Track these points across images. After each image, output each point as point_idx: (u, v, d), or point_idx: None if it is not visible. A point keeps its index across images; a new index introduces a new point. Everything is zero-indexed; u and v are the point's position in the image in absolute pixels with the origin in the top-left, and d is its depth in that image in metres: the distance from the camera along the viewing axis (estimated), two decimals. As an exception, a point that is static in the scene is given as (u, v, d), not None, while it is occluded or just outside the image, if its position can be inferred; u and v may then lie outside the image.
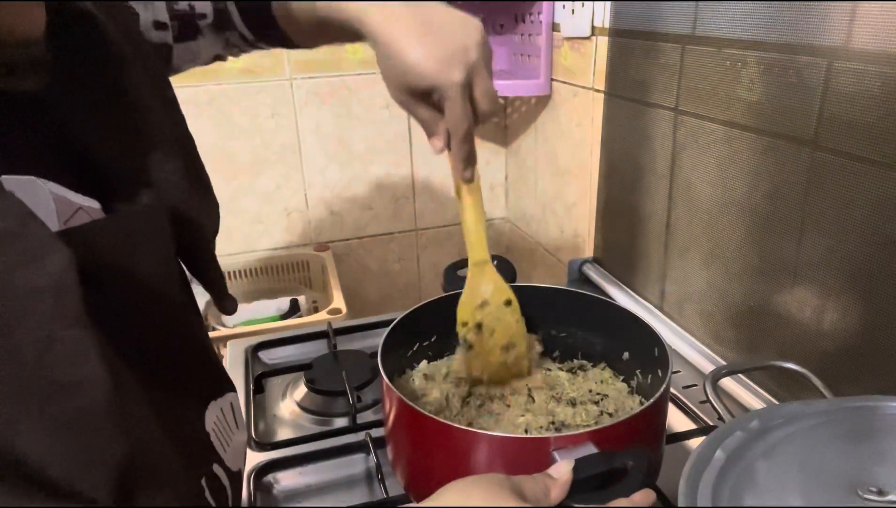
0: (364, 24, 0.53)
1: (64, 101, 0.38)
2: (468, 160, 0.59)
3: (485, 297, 0.66)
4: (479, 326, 0.66)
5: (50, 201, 0.34)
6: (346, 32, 0.56)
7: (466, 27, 0.54)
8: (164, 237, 0.41)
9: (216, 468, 0.45)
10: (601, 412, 0.65)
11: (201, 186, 0.48)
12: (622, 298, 1.00)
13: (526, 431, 0.62)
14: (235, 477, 0.48)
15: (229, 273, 1.44)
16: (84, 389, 0.30)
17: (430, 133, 0.58)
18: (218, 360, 0.50)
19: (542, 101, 1.30)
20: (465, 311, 0.66)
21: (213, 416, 0.46)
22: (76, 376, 0.30)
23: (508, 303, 0.67)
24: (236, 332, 1.23)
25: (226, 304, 0.51)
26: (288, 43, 0.65)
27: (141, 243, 0.39)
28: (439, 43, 0.52)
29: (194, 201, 0.45)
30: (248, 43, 0.66)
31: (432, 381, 0.69)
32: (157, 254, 0.40)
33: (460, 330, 0.67)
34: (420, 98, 0.55)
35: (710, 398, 0.64)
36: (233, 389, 0.51)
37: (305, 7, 0.58)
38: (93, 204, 0.37)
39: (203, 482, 0.43)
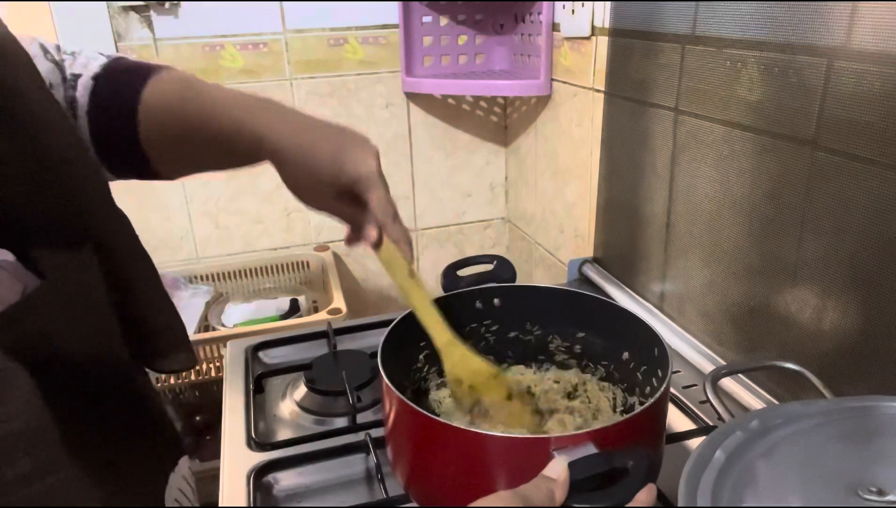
0: (271, 141, 0.53)
1: None
2: (407, 239, 0.58)
3: (468, 381, 0.63)
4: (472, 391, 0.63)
5: None
6: (240, 154, 0.56)
7: (358, 134, 0.55)
8: (100, 304, 0.37)
9: None
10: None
11: (137, 248, 0.44)
12: (622, 298, 1.00)
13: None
14: None
15: (229, 273, 1.44)
16: None
17: (359, 227, 0.57)
18: (168, 420, 0.46)
19: (542, 101, 1.30)
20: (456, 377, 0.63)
21: (174, 494, 0.44)
22: None
23: (495, 377, 0.63)
24: (236, 332, 1.23)
25: (182, 358, 0.46)
26: (144, 171, 0.59)
27: (77, 315, 0.35)
28: (347, 143, 0.53)
29: (130, 260, 0.42)
30: None
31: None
32: (95, 322, 0.37)
33: (454, 388, 0.63)
34: (341, 198, 0.55)
35: (710, 398, 0.64)
36: (183, 452, 0.47)
37: (193, 122, 0.55)
38: (7, 256, 0.34)
39: None
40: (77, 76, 0.56)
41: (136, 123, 0.56)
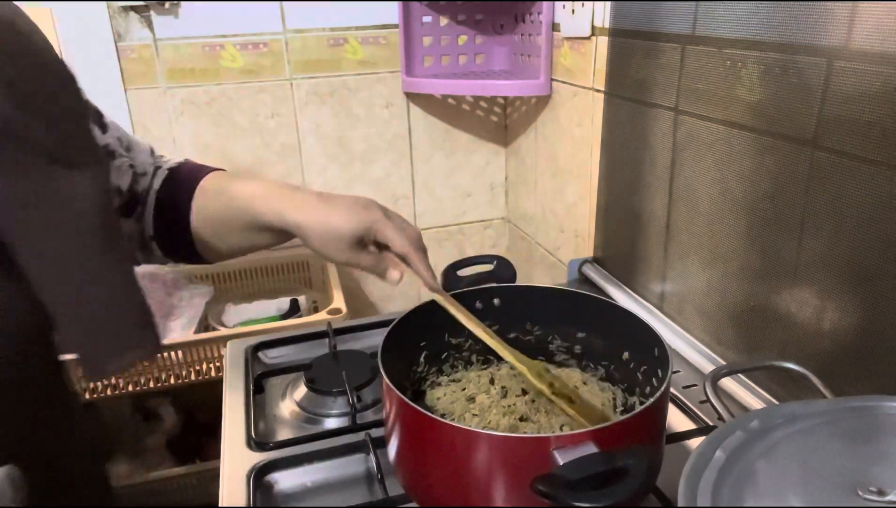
0: (287, 220, 0.64)
1: None
2: (429, 267, 0.66)
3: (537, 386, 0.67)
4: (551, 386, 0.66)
5: None
6: (264, 236, 0.68)
7: (359, 196, 0.67)
8: None
9: None
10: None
11: None
12: (622, 298, 1.00)
13: (561, 428, 0.63)
14: None
15: (230, 273, 1.44)
16: None
17: (383, 270, 0.66)
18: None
19: (542, 101, 1.30)
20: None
21: None
22: None
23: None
24: (236, 332, 1.23)
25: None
26: (190, 255, 0.72)
27: None
28: (346, 203, 0.65)
29: None
30: (142, 244, 0.71)
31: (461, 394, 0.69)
32: None
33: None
34: (358, 247, 0.64)
35: (710, 398, 0.64)
36: (8, 460, 0.47)
37: (230, 212, 0.68)
38: None
39: None
40: (158, 168, 0.71)
41: (189, 213, 0.69)
